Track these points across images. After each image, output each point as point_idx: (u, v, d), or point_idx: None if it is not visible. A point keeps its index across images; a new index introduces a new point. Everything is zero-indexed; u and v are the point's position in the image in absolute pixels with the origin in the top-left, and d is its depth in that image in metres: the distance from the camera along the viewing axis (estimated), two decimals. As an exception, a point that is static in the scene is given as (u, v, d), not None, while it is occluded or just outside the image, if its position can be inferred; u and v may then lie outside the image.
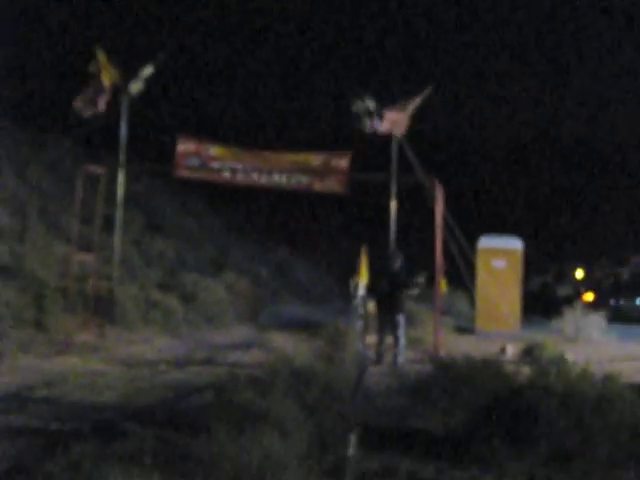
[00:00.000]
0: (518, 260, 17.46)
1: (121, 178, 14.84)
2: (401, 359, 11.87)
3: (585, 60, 65.34)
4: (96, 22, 33.94)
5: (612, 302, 21.23)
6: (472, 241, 16.43)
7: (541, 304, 22.54)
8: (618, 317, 19.70)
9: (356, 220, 31.15)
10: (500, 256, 17.32)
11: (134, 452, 5.42)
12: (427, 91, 14.31)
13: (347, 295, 11.52)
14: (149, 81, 14.76)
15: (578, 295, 22.00)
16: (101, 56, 14.31)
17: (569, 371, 8.29)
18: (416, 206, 15.45)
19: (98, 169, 14.85)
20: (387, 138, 14.38)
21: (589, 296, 21.79)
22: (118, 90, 14.60)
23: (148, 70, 14.71)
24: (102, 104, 14.31)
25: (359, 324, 9.94)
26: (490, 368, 8.39)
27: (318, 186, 14.52)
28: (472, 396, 7.37)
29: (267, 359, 10.28)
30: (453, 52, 68.21)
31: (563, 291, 24.82)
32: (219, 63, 53.07)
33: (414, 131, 14.45)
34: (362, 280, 10.09)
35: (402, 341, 11.97)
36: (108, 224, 15.00)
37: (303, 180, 14.41)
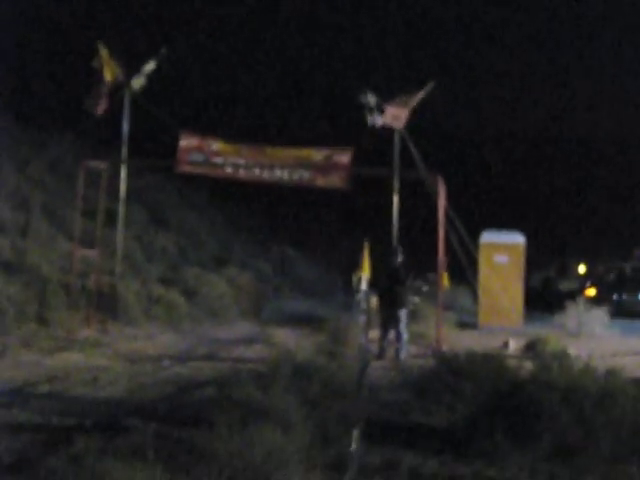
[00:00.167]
0: (520, 255, 17.42)
1: (123, 173, 14.86)
2: (403, 354, 11.89)
3: (585, 60, 65.19)
4: (97, 19, 33.98)
5: (615, 297, 21.14)
6: (474, 236, 16.42)
7: (543, 299, 22.47)
8: (621, 312, 19.64)
9: (358, 215, 31.13)
10: (502, 251, 17.29)
11: (136, 447, 5.43)
12: (429, 86, 14.30)
13: (350, 290, 11.50)
14: (151, 77, 14.77)
15: (581, 290, 21.91)
16: (103, 52, 14.33)
17: (571, 366, 8.29)
18: (418, 201, 15.44)
19: (100, 164, 14.86)
20: (389, 133, 14.38)
21: (592, 291, 21.68)
22: (121, 86, 14.62)
23: (150, 66, 14.73)
24: (108, 101, 14.36)
25: (362, 319, 9.92)
26: (492, 363, 8.37)
27: (320, 181, 14.50)
28: (474, 391, 7.37)
29: (269, 354, 10.31)
30: (455, 49, 68.13)
31: (565, 286, 24.71)
32: (221, 58, 53.01)
33: (416, 126, 14.45)
34: (364, 275, 10.08)
35: (404, 336, 11.99)
36: (110, 219, 15.01)
37: (305, 175, 14.38)
